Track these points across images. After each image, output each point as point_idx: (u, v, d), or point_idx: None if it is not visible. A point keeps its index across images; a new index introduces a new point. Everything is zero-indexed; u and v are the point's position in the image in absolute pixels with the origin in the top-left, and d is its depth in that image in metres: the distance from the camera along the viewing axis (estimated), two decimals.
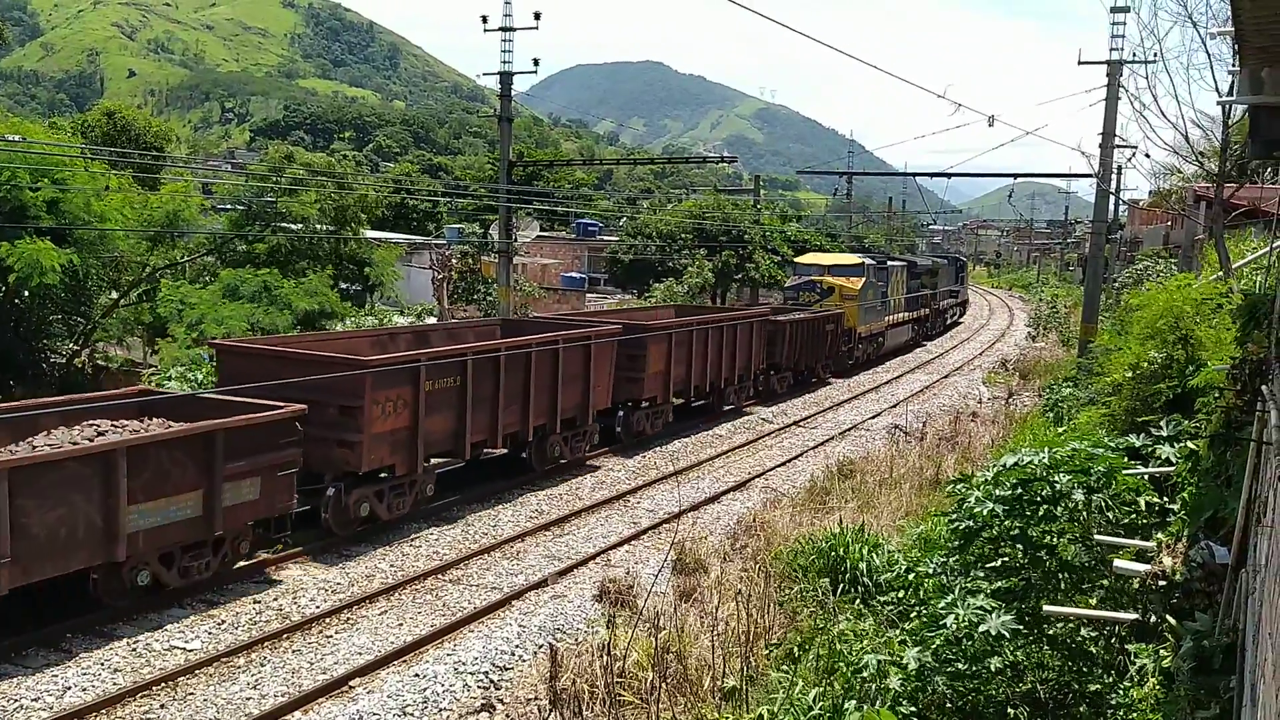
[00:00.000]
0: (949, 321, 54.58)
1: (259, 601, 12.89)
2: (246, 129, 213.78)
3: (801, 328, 31.13)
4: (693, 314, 28.34)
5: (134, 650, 11.33)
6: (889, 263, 41.40)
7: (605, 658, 10.34)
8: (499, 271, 31.79)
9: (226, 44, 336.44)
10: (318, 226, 34.16)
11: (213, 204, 36.78)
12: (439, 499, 17.29)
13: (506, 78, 30.18)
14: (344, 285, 34.41)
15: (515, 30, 30.05)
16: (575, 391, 19.97)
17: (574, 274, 54.62)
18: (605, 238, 58.98)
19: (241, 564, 13.67)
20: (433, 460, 17.03)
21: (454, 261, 38.82)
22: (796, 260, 42.09)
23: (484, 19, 29.94)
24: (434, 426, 16.28)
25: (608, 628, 11.04)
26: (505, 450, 19.25)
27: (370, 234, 39.12)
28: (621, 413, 22.50)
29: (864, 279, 36.60)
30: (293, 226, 33.31)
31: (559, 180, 61.33)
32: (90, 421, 13.03)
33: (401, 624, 12.42)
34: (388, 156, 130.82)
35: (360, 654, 11.45)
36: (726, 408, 27.31)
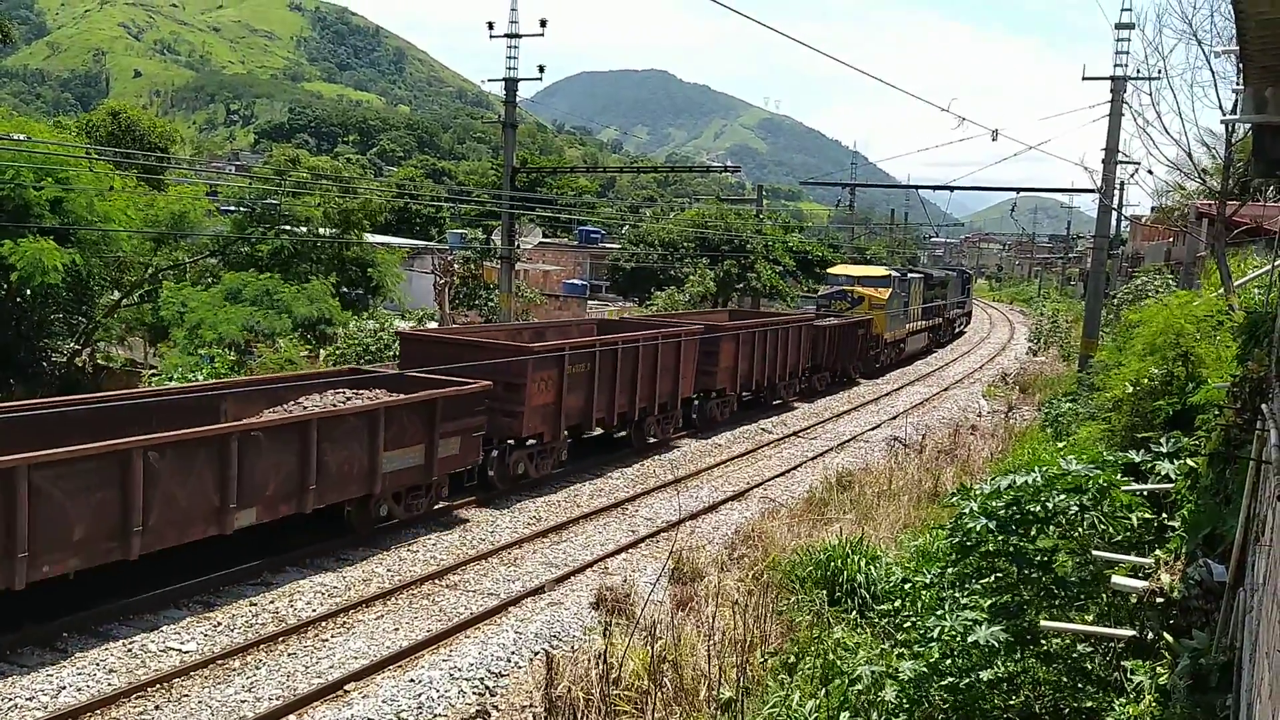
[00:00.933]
0: (956, 330, 58.05)
1: (255, 604, 12.89)
2: (251, 131, 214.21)
3: (839, 332, 34.05)
4: (746, 318, 31.60)
5: (129, 651, 11.32)
6: (909, 275, 44.92)
7: (601, 666, 10.33)
8: (501, 277, 31.82)
9: (233, 46, 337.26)
10: (321, 230, 34.21)
11: (217, 206, 36.84)
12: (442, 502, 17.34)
13: (511, 84, 30.25)
14: (345, 289, 34.45)
15: (521, 37, 30.14)
16: (668, 381, 23.20)
17: (576, 281, 54.63)
18: (607, 245, 59.02)
19: (440, 505, 17.04)
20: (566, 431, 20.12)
21: (456, 267, 38.87)
22: (829, 271, 46.00)
23: (490, 25, 30.03)
24: (571, 403, 19.72)
25: (604, 636, 11.04)
26: (612, 429, 22.43)
27: (373, 238, 39.17)
28: (697, 401, 25.56)
29: (890, 290, 39.89)
30: (296, 229, 33.36)
31: (562, 187, 61.39)
32: (336, 390, 16.50)
33: (398, 629, 12.41)
34: (391, 161, 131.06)
35: (356, 658, 11.45)
36: (775, 402, 30.18)
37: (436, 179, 76.35)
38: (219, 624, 12.20)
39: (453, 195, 57.99)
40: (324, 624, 12.39)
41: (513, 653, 11.89)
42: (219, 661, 11.15)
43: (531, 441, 18.88)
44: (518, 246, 31.72)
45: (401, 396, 15.97)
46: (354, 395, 16.24)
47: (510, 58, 30.20)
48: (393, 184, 63.28)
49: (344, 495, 14.79)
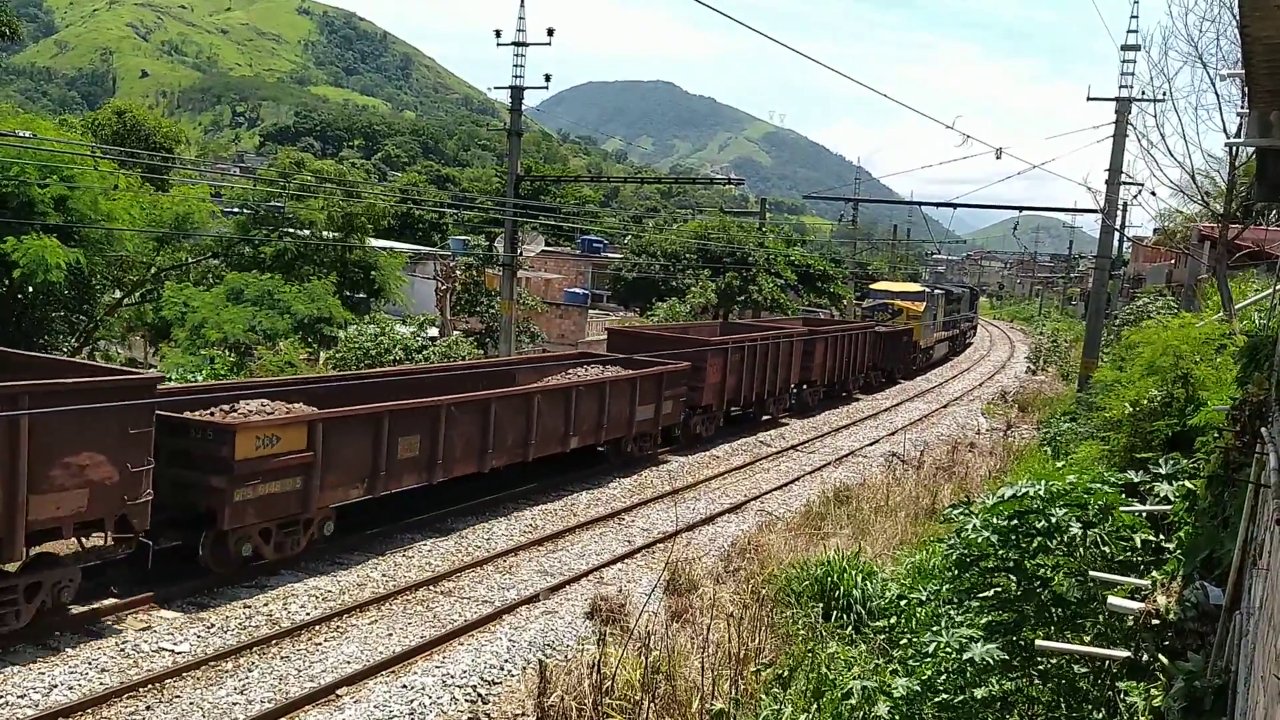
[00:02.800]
0: (967, 340, 64.31)
1: (249, 606, 12.86)
2: (257, 134, 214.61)
3: (890, 339, 40.62)
4: (819, 325, 38.02)
5: (122, 650, 11.30)
6: (935, 291, 51.63)
7: (594, 676, 10.31)
8: (502, 284, 31.82)
9: (240, 48, 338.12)
10: (324, 233, 34.24)
11: (220, 208, 36.89)
12: (437, 509, 17.33)
13: (517, 92, 30.29)
14: (348, 292, 34.47)
15: (528, 45, 30.19)
16: (784, 372, 30.03)
17: (577, 290, 54.60)
18: (610, 255, 59.05)
19: (650, 453, 23.26)
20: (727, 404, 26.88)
21: (458, 273, 38.85)
22: (871, 287, 54.26)
23: (497, 33, 30.07)
24: (731, 384, 26.59)
25: (598, 645, 11.01)
26: (746, 407, 28.69)
27: (376, 242, 39.20)
28: (795, 390, 31.94)
29: (924, 304, 46.77)
30: (299, 232, 33.39)
31: (566, 196, 61.46)
32: (586, 365, 23.52)
33: (391, 634, 12.38)
34: (396, 166, 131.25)
35: (348, 663, 11.42)
36: (842, 394, 36.12)
37: (440, 185, 76.39)
38: (212, 625, 12.17)
39: (456, 201, 58.02)
40: (317, 627, 12.36)
41: (506, 661, 11.86)
42: (211, 663, 11.12)
43: (704, 409, 25.55)
44: (520, 254, 31.72)
45: (645, 370, 22.47)
46: (604, 370, 22.81)
47: (517, 66, 30.26)
48: (396, 189, 63.37)
49: (614, 435, 21.64)
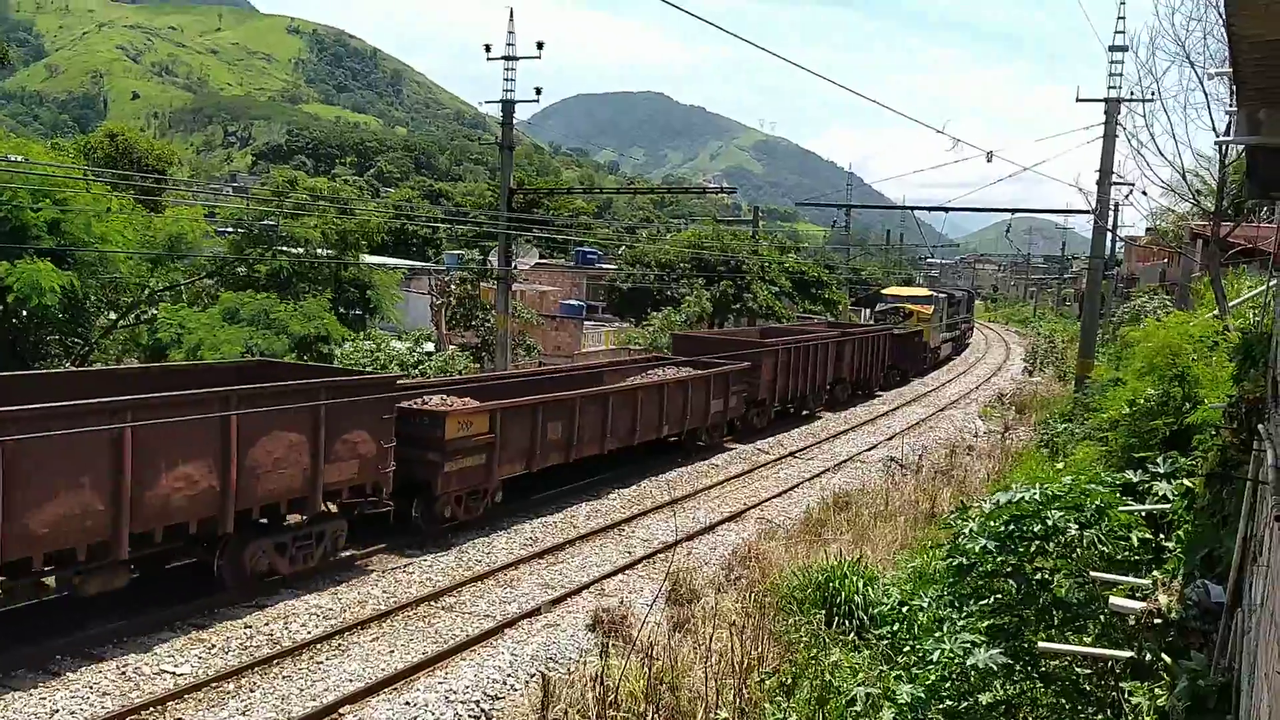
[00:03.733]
0: (966, 340, 67.36)
1: (249, 626, 12.82)
2: (249, 153, 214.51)
3: (904, 339, 44.00)
4: (843, 328, 41.25)
5: (123, 673, 11.26)
6: (940, 295, 55.20)
7: (598, 688, 10.29)
8: (498, 298, 31.82)
9: (231, 68, 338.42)
10: (319, 251, 34.23)
11: (214, 228, 36.87)
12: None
13: (508, 106, 30.34)
14: (343, 309, 34.45)
15: (518, 59, 30.23)
16: (821, 372, 33.28)
17: (572, 301, 54.59)
18: (604, 266, 59.08)
19: (719, 441, 26.69)
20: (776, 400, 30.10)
21: (453, 287, 38.87)
22: (883, 292, 57.31)
23: (487, 48, 30.12)
24: (780, 382, 29.89)
25: (601, 658, 11.00)
26: (788, 403, 31.29)
27: (370, 259, 39.19)
28: (830, 386, 34.91)
29: (933, 307, 50.01)
30: (294, 250, 33.39)
31: (559, 208, 61.47)
32: (653, 367, 26.93)
33: (393, 651, 12.35)
34: (389, 182, 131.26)
35: (351, 681, 11.38)
36: (861, 391, 38.75)
37: (433, 200, 76.44)
38: (213, 646, 12.13)
39: (450, 216, 58.03)
40: (319, 646, 12.33)
41: (509, 675, 11.83)
42: (213, 684, 11.08)
43: (759, 403, 28.70)
44: (514, 267, 31.74)
45: (716, 370, 25.73)
46: (677, 370, 25.66)
47: (507, 80, 30.29)
48: (390, 205, 63.39)
49: (694, 425, 24.67)
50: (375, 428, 15.06)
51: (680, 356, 28.27)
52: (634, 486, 21.71)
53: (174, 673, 11.36)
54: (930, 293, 55.16)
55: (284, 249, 32.97)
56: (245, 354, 24.88)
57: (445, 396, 18.33)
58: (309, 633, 12.73)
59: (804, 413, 32.75)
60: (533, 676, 11.62)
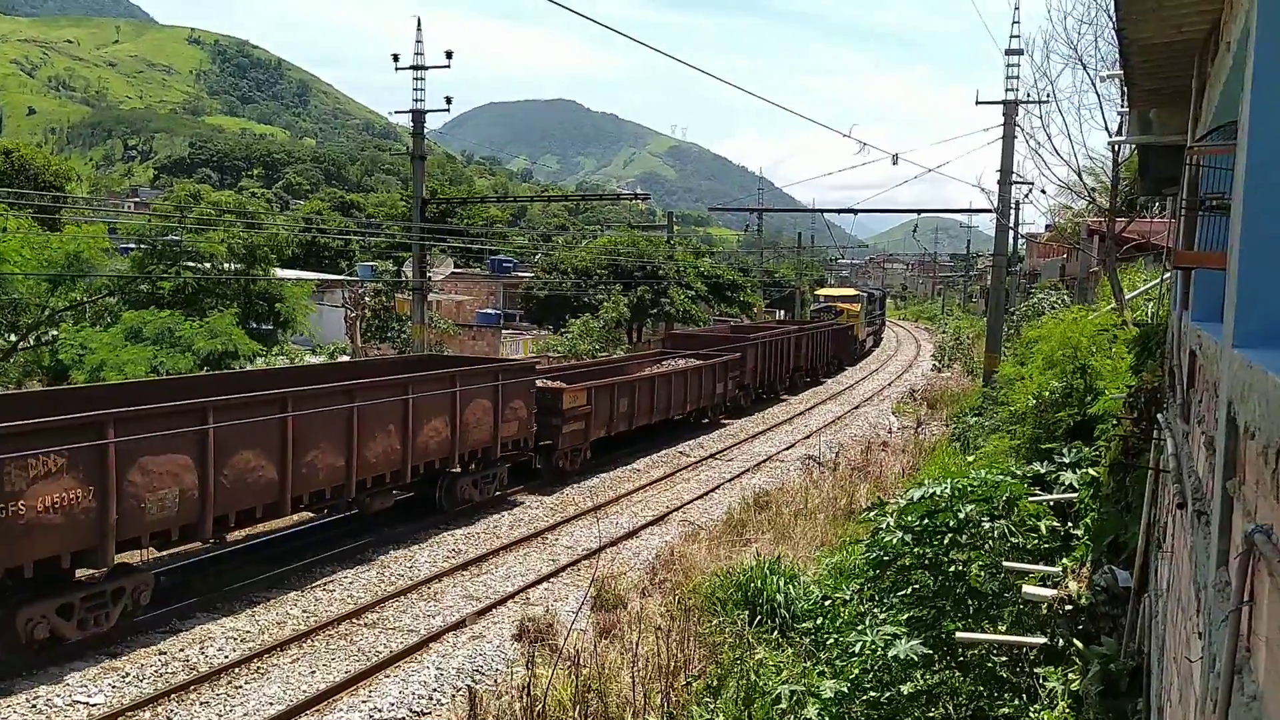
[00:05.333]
0: (881, 334, 73.84)
1: (164, 652, 12.48)
2: (150, 167, 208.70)
3: (840, 333, 50.01)
4: (794, 325, 48.05)
5: (34, 706, 10.86)
6: (863, 294, 64.33)
7: (525, 698, 10.24)
8: (413, 309, 31.49)
9: (130, 81, 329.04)
10: (226, 265, 33.49)
11: (115, 245, 35.84)
12: (357, 540, 17.06)
13: (419, 116, 30.08)
14: (253, 324, 33.75)
15: (427, 69, 30.01)
16: (785, 362, 38.91)
17: (489, 310, 54.28)
18: (520, 274, 58.83)
19: (720, 418, 32.30)
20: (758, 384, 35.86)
21: (367, 299, 38.34)
22: (818, 292, 69.03)
23: (395, 58, 29.84)
24: (760, 369, 35.34)
25: (527, 668, 10.94)
26: (760, 389, 36.26)
27: (280, 273, 38.46)
28: (792, 373, 40.32)
29: (860, 305, 58.45)
30: (199, 265, 32.61)
31: (473, 217, 61.06)
32: (661, 358, 31.62)
33: (314, 671, 12.12)
34: (298, 194, 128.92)
35: (271, 704, 11.14)
36: (806, 380, 43.14)
37: (345, 212, 75.30)
38: (127, 674, 11.78)
39: (362, 228, 57.28)
40: (237, 670, 12.04)
41: (434, 690, 11.70)
42: (128, 713, 10.74)
43: (745, 388, 33.90)
44: (429, 278, 31.43)
45: (717, 360, 30.87)
46: (684, 362, 30.23)
47: (417, 90, 30.04)
48: (299, 218, 62.27)
49: (704, 405, 30.12)
50: (526, 399, 20.74)
51: (674, 351, 32.65)
52: (555, 494, 21.68)
53: (87, 703, 11.00)
54: (857, 292, 64.76)
55: (189, 264, 32.17)
56: (150, 373, 24.21)
57: (545, 379, 23.49)
58: (226, 656, 12.43)
59: (775, 393, 38.45)
60: (459, 690, 11.51)
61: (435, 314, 42.36)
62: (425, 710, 11.23)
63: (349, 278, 48.14)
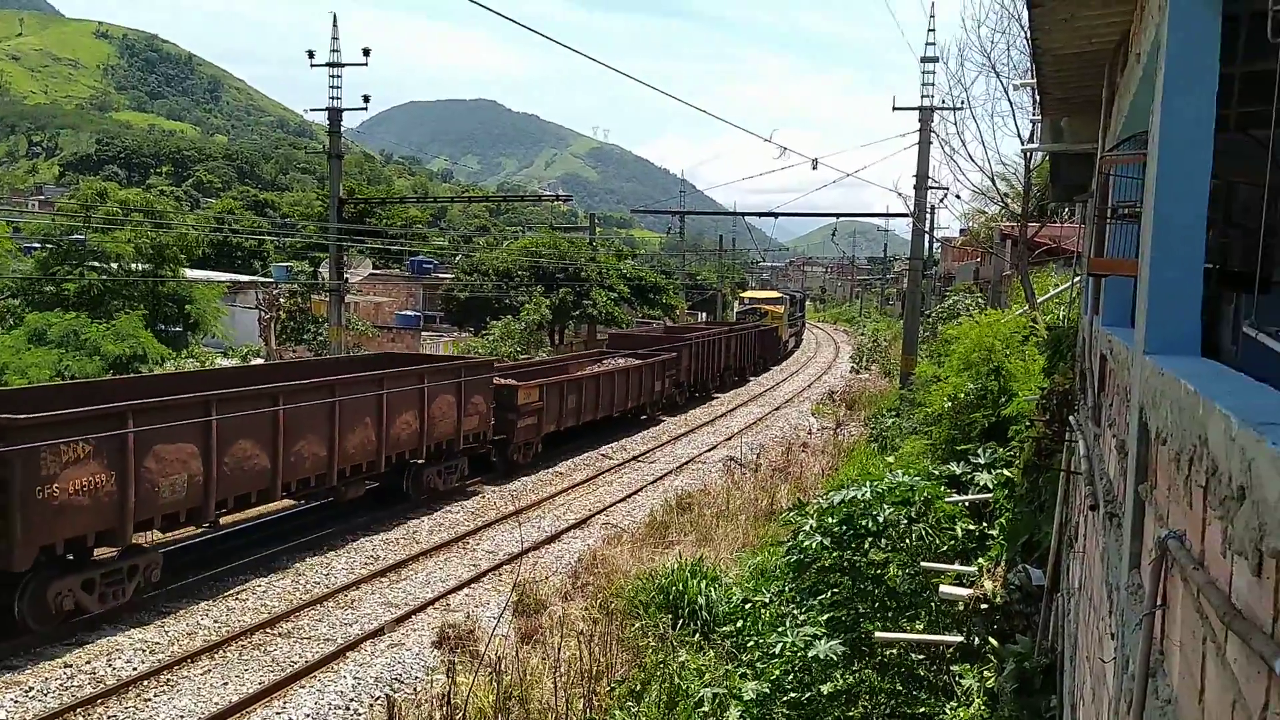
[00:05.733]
0: (801, 335, 76.06)
1: (69, 665, 12.04)
2: (56, 164, 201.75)
3: (766, 334, 52.16)
4: (724, 327, 49.01)
5: None
6: (785, 296, 67.23)
7: (445, 707, 10.10)
8: (330, 311, 30.95)
9: (34, 75, 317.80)
10: (133, 266, 32.55)
11: (19, 245, 34.59)
12: (269, 548, 16.68)
13: (335, 114, 29.57)
14: (163, 327, 32.85)
15: (344, 66, 29.52)
16: (718, 361, 40.94)
17: (409, 312, 53.59)
18: (440, 275, 58.22)
19: (657, 415, 33.75)
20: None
21: (282, 301, 37.58)
22: (743, 295, 68.38)
23: (311, 54, 29.30)
24: (703, 367, 38.10)
25: (447, 675, 10.79)
26: (694, 387, 37.75)
27: (191, 273, 37.50)
28: (723, 372, 42.25)
29: (783, 307, 60.35)
30: (106, 266, 31.65)
31: (392, 218, 60.25)
32: (601, 358, 32.67)
33: (227, 683, 11.81)
34: (209, 192, 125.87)
35: (182, 717, 10.83)
36: (735, 378, 44.87)
37: (258, 211, 73.68)
38: (30, 689, 11.34)
39: (276, 228, 56.12)
40: (146, 683, 11.68)
41: (352, 700, 11.49)
42: None
43: (680, 385, 35.19)
44: (346, 279, 30.92)
45: (654, 359, 32.16)
46: (625, 361, 31.23)
47: (333, 87, 29.53)
48: (210, 217, 60.84)
49: (644, 401, 31.33)
50: (485, 395, 21.88)
51: (614, 351, 33.82)
52: (475, 499, 21.48)
53: None
54: (780, 294, 66.97)
55: (95, 265, 31.20)
56: (55, 377, 23.42)
57: (508, 377, 24.47)
58: (134, 669, 12.05)
59: (707, 391, 39.96)
60: (377, 699, 11.31)
61: (353, 316, 41.70)
62: None
63: (263, 279, 47.11)
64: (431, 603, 14.83)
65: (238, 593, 14.98)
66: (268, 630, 13.55)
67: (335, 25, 29.69)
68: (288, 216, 63.42)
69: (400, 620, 14.03)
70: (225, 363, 30.90)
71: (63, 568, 12.73)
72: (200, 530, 16.58)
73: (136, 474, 13.16)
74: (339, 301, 30.38)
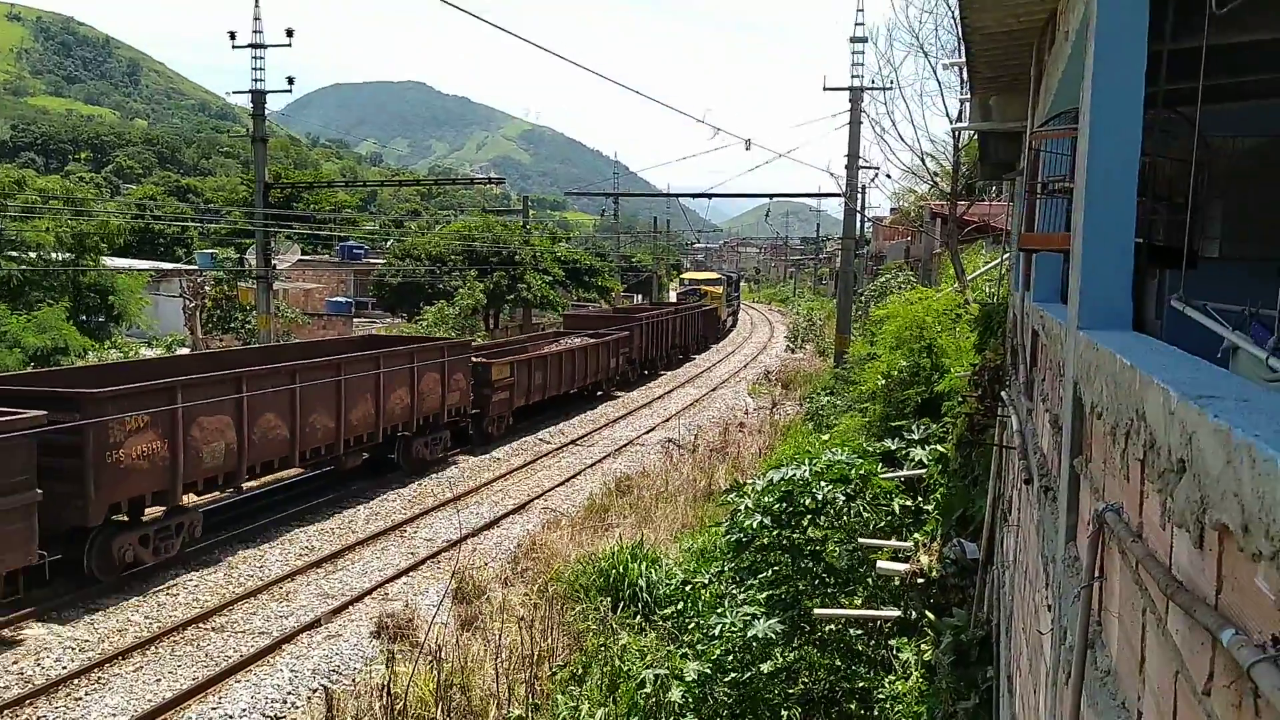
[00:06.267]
0: (738, 315, 78.18)
1: None
2: None
3: (706, 313, 54.05)
4: (670, 307, 51.66)
5: None
6: (723, 277, 69.69)
7: (385, 697, 9.99)
8: (258, 298, 30.36)
9: None
10: (53, 255, 31.61)
11: None
12: (204, 539, 16.35)
13: (259, 96, 28.94)
14: (84, 317, 31.98)
15: (266, 47, 28.90)
16: (667, 340, 42.81)
17: (340, 299, 52.79)
18: (372, 261, 57.42)
19: (613, 391, 35.13)
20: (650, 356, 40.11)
21: (207, 289, 36.79)
22: (682, 276, 74.84)
23: (232, 35, 28.60)
24: (652, 345, 39.65)
25: (387, 665, 10.69)
26: (644, 363, 39.49)
27: (112, 262, 36.52)
28: (670, 350, 43.78)
29: (721, 287, 63.56)
30: (24, 255, 30.69)
31: (320, 202, 59.24)
32: (561, 336, 34.61)
33: (160, 680, 11.56)
34: (130, 179, 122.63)
35: (114, 715, 10.59)
36: (681, 356, 46.70)
37: (181, 197, 71.96)
38: None
39: (200, 214, 54.91)
40: (76, 681, 11.39)
41: (289, 693, 11.32)
42: None
43: (633, 362, 36.67)
44: (274, 266, 30.34)
45: (609, 338, 33.83)
46: (581, 340, 33.04)
47: (256, 69, 28.89)
48: (132, 203, 59.29)
49: (601, 378, 32.91)
50: (465, 372, 23.58)
51: (571, 331, 36.02)
52: (413, 485, 21.26)
53: None
54: (719, 275, 70.32)
55: (13, 255, 30.23)
56: None
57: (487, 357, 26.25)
58: (64, 667, 11.74)
59: (654, 371, 41.50)
60: (315, 691, 11.15)
61: (282, 303, 40.98)
62: (280, 715, 10.86)
63: (187, 266, 46.07)
64: (369, 592, 14.67)
65: (169, 588, 14.67)
66: (200, 625, 13.29)
67: (257, 5, 29.04)
68: (212, 202, 62.04)
69: (337, 611, 13.85)
70: (149, 353, 30.20)
71: (121, 525, 14.34)
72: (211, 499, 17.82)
73: (185, 441, 14.94)
74: (267, 289, 29.81)
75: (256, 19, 29.05)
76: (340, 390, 18.70)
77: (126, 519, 14.40)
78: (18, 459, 12.11)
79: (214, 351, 25.90)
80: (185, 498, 15.45)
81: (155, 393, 14.69)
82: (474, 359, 24.36)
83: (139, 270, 39.85)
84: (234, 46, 28.73)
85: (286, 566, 15.78)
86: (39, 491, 12.42)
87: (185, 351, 32.40)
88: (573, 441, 26.61)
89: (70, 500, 13.23)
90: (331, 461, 19.42)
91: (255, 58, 28.82)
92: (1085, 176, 3.25)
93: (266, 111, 29.83)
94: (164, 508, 14.98)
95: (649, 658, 10.42)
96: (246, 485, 18.18)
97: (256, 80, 28.95)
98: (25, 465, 12.22)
